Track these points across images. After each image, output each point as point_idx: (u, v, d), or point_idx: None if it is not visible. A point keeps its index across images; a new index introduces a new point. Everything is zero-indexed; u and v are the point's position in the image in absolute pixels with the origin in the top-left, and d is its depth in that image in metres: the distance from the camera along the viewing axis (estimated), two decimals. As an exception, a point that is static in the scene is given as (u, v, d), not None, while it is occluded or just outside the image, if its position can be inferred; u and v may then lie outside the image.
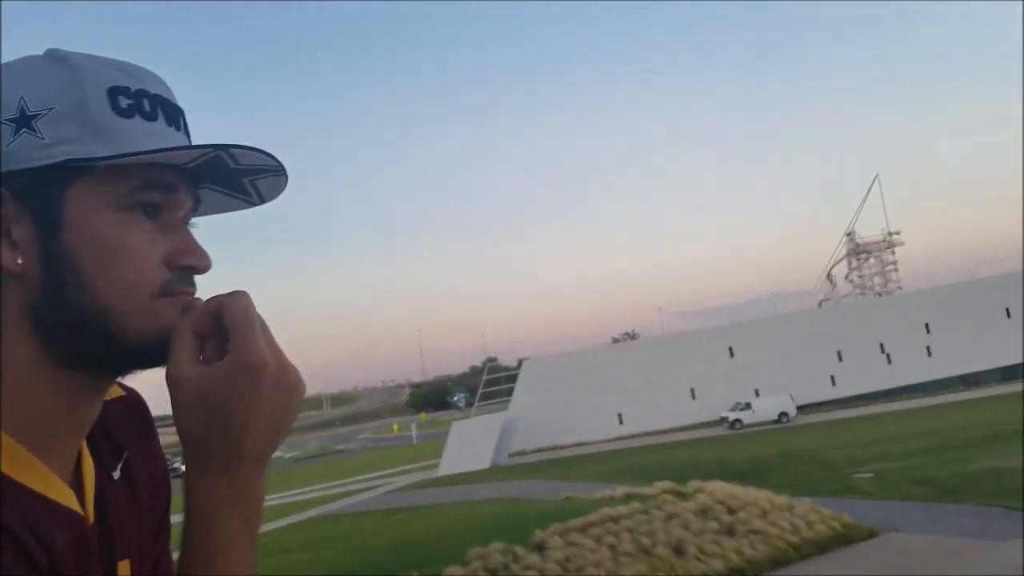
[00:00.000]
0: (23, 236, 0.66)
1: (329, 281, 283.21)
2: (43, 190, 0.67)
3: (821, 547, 10.49)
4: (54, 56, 0.71)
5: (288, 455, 77.49)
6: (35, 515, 0.64)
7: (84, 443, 0.76)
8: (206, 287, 0.77)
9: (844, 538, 10.77)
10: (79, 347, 0.68)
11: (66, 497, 0.69)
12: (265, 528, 21.38)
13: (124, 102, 0.69)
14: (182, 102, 0.78)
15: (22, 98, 0.68)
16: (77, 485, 0.73)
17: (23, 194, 0.66)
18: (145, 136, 0.68)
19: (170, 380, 0.68)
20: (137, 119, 0.69)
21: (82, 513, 0.71)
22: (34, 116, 0.67)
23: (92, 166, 0.66)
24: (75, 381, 0.69)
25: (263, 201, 0.79)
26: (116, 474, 0.80)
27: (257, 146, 0.71)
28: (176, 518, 0.83)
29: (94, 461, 0.77)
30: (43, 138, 0.66)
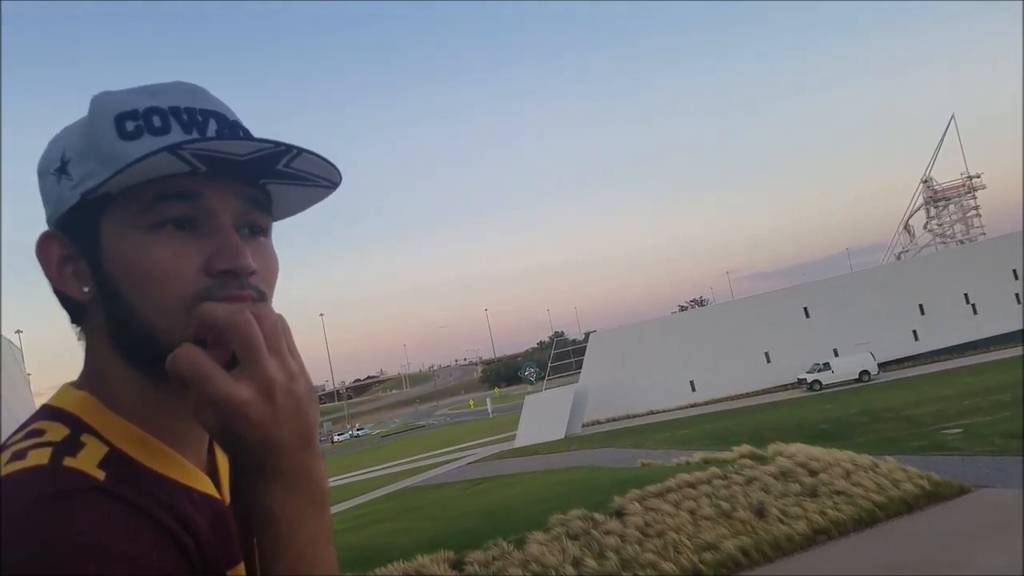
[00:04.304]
0: (82, 270, 0.74)
1: (399, 269, 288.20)
2: (81, 227, 0.72)
3: (909, 506, 10.21)
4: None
5: (375, 432, 79.96)
6: (178, 502, 0.70)
7: None
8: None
9: (933, 496, 10.44)
10: (148, 365, 0.71)
11: (203, 483, 0.77)
12: (360, 500, 22.11)
13: (131, 125, 0.71)
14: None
15: (64, 149, 0.75)
16: (212, 472, 0.81)
17: (72, 233, 0.74)
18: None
19: (237, 404, 0.65)
20: (145, 138, 0.71)
21: (219, 496, 0.79)
22: (68, 162, 0.74)
23: (109, 194, 0.69)
24: (170, 395, 0.72)
25: (331, 183, 0.79)
26: None
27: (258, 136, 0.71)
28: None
29: None
30: (72, 179, 0.73)
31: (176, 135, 0.71)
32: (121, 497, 0.64)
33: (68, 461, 0.65)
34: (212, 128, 0.73)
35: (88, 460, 0.66)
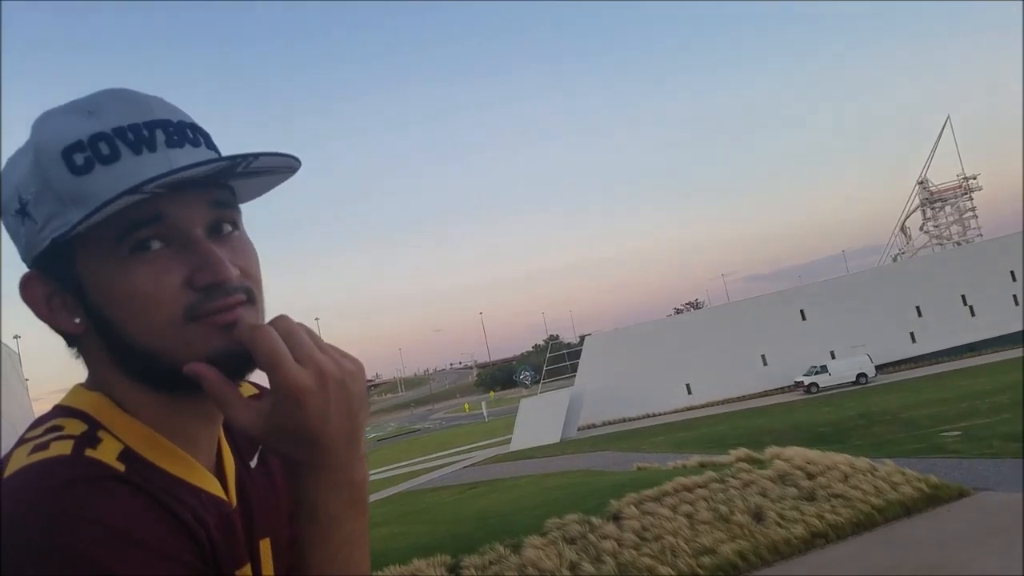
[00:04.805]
0: (69, 303, 0.74)
1: (394, 273, 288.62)
2: (58, 266, 0.72)
3: (908, 509, 10.17)
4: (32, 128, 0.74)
5: (370, 436, 79.88)
6: (190, 501, 0.72)
7: (223, 436, 0.84)
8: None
9: (932, 499, 10.40)
10: (153, 381, 0.74)
11: (211, 485, 0.78)
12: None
13: (79, 158, 0.70)
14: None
15: (18, 188, 0.73)
16: (219, 474, 0.82)
17: (50, 272, 0.73)
18: (110, 184, 0.68)
19: (236, 430, 0.70)
20: (97, 169, 0.69)
21: (226, 498, 0.80)
22: (26, 203, 0.72)
23: (78, 233, 0.68)
24: (178, 400, 0.75)
25: (291, 169, 0.78)
26: (254, 463, 0.88)
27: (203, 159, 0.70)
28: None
29: (233, 452, 0.86)
30: (36, 222, 0.72)
31: (127, 159, 0.70)
32: (141, 488, 0.66)
33: (90, 452, 0.67)
34: (160, 139, 0.72)
35: (108, 453, 0.68)
